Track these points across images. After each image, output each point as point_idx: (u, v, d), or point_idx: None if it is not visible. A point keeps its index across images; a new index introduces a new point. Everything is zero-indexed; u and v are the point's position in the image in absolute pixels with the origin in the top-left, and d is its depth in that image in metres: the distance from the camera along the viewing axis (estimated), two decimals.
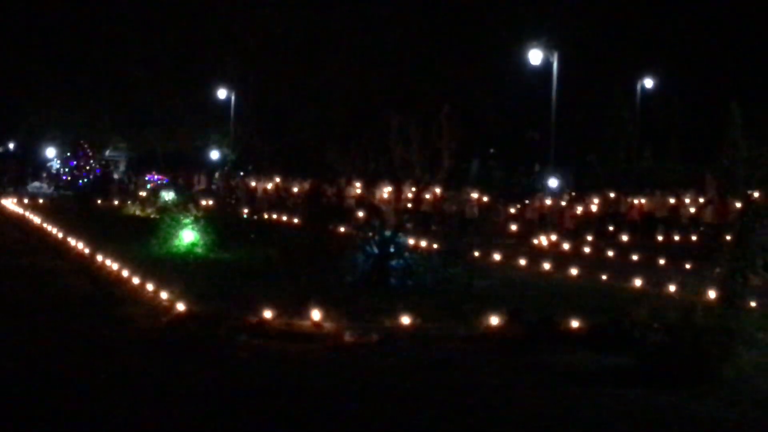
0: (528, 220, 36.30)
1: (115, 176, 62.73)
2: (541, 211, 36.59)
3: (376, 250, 20.79)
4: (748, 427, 10.88)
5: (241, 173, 51.98)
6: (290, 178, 46.82)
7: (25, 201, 46.94)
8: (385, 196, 38.16)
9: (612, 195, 37.54)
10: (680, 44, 53.13)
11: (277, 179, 47.21)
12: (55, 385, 11.78)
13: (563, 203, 36.68)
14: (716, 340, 12.65)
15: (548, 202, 36.82)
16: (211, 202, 43.10)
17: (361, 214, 33.93)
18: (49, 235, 31.10)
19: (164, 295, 17.53)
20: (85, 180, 55.99)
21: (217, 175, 54.43)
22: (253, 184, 47.82)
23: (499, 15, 52.49)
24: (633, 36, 52.88)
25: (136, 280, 19.46)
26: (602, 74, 51.18)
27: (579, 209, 36.04)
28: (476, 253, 26.51)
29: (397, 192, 38.45)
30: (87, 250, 25.15)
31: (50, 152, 65.80)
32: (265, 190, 47.41)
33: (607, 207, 36.77)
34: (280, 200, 45.47)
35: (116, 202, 46.46)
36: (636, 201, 37.07)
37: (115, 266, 21.75)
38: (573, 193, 39.04)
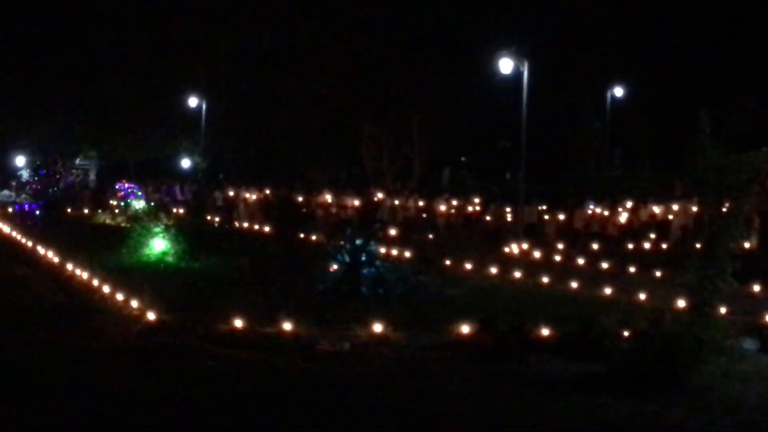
0: (575, 229, 35.97)
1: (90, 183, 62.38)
2: (587, 220, 36.16)
3: (347, 259, 20.81)
4: None
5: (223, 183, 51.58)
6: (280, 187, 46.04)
7: None
8: (443, 209, 37.81)
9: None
10: (650, 53, 53.43)
11: (267, 190, 46.59)
12: (24, 395, 11.70)
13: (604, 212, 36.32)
14: (685, 348, 12.73)
15: (591, 210, 36.41)
16: (182, 211, 42.99)
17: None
18: (18, 244, 30.91)
19: (135, 304, 17.47)
20: (55, 189, 55.67)
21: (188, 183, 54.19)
22: (231, 193, 47.48)
23: (469, 24, 52.61)
24: (603, 45, 53.10)
25: (106, 290, 19.38)
26: (573, 83, 51.38)
27: (622, 218, 35.68)
28: (447, 261, 26.55)
29: (454, 205, 38.02)
30: (57, 259, 25.03)
31: (20, 161, 65.35)
32: (248, 200, 46.64)
33: (638, 216, 36.22)
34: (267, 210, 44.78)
35: (86, 211, 46.20)
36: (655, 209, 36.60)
37: (85, 275, 21.65)
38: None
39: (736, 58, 50.87)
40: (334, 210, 40.02)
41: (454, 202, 38.31)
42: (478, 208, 37.72)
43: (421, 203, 38.78)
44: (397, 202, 39.03)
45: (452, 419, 11.23)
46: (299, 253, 23.17)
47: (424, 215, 38.14)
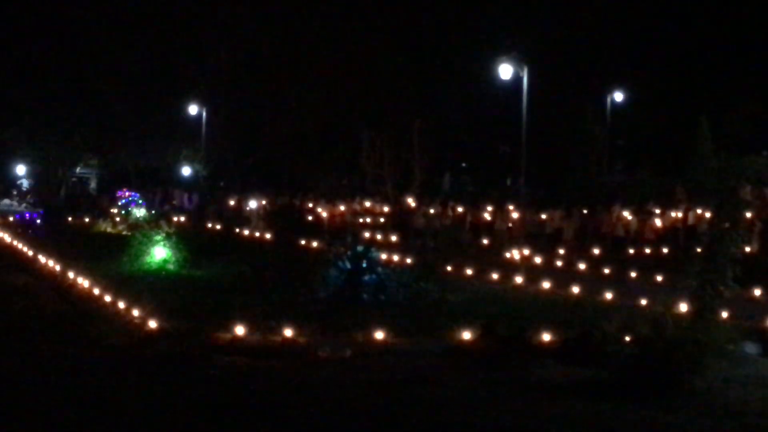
0: (603, 233, 35.73)
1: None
2: (614, 224, 35.83)
3: (348, 266, 20.79)
4: None
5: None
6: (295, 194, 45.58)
7: None
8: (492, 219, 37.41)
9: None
10: (649, 58, 53.52)
11: (272, 198, 46.23)
12: (26, 403, 11.69)
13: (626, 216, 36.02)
14: (687, 352, 12.72)
15: (626, 214, 36.08)
16: (183, 219, 42.99)
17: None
18: (19, 252, 30.91)
19: (136, 312, 17.46)
20: (56, 197, 55.73)
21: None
22: (232, 203, 47.36)
23: (470, 30, 52.74)
24: (603, 50, 53.20)
25: (107, 298, 19.37)
26: (573, 88, 51.41)
27: (659, 222, 35.39)
28: (448, 267, 26.52)
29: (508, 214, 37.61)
30: (58, 268, 25.03)
31: (20, 170, 65.44)
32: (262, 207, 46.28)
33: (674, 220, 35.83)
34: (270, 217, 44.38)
35: (87, 220, 46.21)
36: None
37: (86, 284, 21.65)
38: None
39: (736, 62, 50.92)
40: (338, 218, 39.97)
41: (489, 208, 37.94)
42: (516, 215, 37.28)
43: (460, 209, 38.44)
44: (432, 211, 38.56)
45: (454, 425, 11.22)
46: (300, 260, 23.19)
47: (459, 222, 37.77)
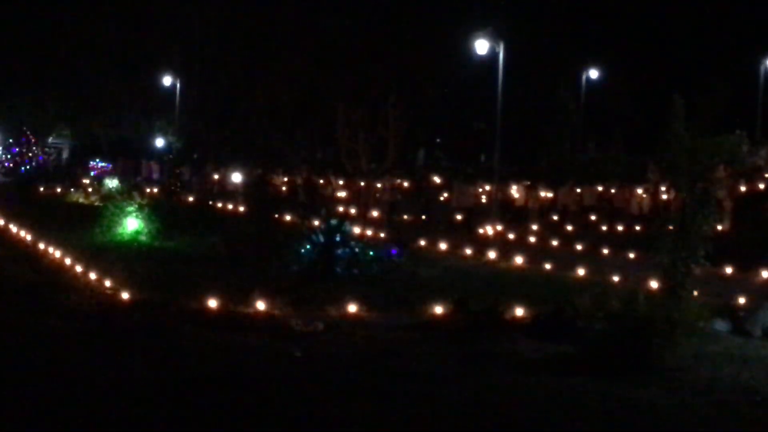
0: (617, 208, 35.62)
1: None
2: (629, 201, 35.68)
3: (322, 239, 20.78)
4: (688, 414, 11.01)
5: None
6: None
7: None
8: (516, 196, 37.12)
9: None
10: (624, 36, 53.60)
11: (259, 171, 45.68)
12: None
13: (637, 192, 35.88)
14: (658, 329, 12.79)
15: (639, 191, 35.96)
16: (156, 190, 42.76)
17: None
18: None
19: (108, 283, 17.40)
20: (28, 167, 55.37)
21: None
22: (216, 176, 47.01)
23: (445, 5, 52.57)
24: (578, 27, 53.22)
25: (79, 268, 19.29)
26: (548, 64, 51.44)
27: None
28: (422, 242, 26.54)
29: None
30: (29, 238, 24.88)
31: None
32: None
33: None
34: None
35: (59, 190, 45.89)
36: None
37: (57, 254, 21.55)
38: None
39: (711, 41, 51.08)
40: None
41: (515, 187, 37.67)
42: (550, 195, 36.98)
43: (487, 187, 38.17)
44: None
45: (425, 398, 11.24)
46: (274, 233, 23.15)
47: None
